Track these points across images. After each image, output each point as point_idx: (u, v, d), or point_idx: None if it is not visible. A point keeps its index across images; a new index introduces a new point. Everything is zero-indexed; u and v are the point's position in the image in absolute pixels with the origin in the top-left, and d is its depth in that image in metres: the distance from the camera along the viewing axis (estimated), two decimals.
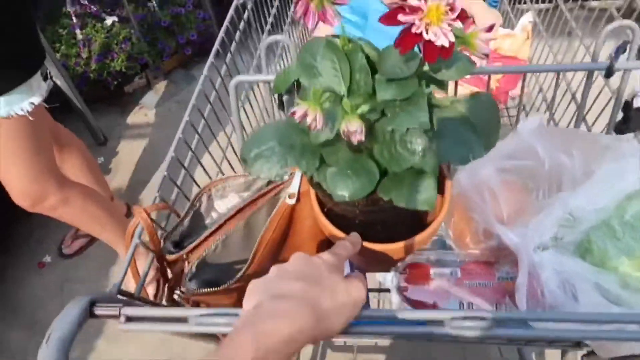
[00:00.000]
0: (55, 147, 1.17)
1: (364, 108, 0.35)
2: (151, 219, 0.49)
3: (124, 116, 1.87)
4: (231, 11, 0.77)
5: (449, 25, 0.33)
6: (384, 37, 0.92)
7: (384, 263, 0.54)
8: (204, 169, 0.65)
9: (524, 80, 0.57)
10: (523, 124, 0.52)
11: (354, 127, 0.34)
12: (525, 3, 1.08)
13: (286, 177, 0.44)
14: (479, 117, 0.41)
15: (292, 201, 0.52)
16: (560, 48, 0.89)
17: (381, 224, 0.46)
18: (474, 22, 1.01)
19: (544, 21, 0.93)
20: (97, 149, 1.75)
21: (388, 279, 0.54)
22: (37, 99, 0.88)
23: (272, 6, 0.96)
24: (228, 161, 0.72)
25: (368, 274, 0.55)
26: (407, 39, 0.33)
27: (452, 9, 0.33)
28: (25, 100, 0.87)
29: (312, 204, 0.50)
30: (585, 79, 0.55)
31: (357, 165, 0.38)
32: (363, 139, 0.35)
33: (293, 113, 0.35)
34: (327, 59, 0.40)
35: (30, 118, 0.87)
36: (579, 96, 0.62)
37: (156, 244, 0.50)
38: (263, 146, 0.39)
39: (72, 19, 1.76)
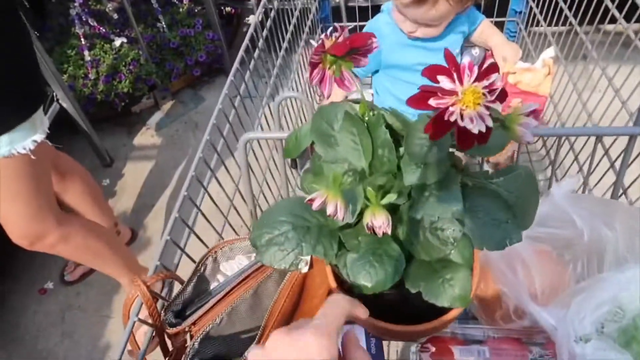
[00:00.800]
0: (57, 176, 1.14)
1: (391, 197, 0.31)
2: (151, 292, 0.45)
3: (130, 137, 1.85)
4: (246, 41, 0.76)
5: (487, 107, 0.29)
6: (401, 68, 0.88)
7: (404, 337, 0.50)
8: (210, 223, 0.61)
9: (559, 143, 0.52)
10: (556, 188, 0.47)
11: (379, 222, 0.30)
12: (541, 26, 1.04)
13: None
14: (515, 193, 0.37)
15: (305, 269, 0.48)
16: (578, 73, 0.85)
17: (403, 302, 0.42)
18: (492, 54, 0.96)
19: (558, 43, 0.89)
20: (103, 170, 1.73)
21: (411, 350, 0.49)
22: (39, 136, 0.85)
23: (287, 31, 0.93)
24: (236, 209, 0.68)
25: None
26: (440, 126, 0.28)
27: (491, 91, 0.29)
28: (27, 138, 0.83)
29: (326, 272, 0.46)
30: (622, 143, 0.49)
31: (381, 251, 0.34)
32: (390, 232, 0.31)
33: (310, 200, 0.31)
34: (345, 130, 0.36)
35: (32, 157, 0.84)
36: (609, 146, 0.57)
37: (156, 318, 0.46)
38: (276, 231, 0.35)
39: (80, 40, 1.75)
